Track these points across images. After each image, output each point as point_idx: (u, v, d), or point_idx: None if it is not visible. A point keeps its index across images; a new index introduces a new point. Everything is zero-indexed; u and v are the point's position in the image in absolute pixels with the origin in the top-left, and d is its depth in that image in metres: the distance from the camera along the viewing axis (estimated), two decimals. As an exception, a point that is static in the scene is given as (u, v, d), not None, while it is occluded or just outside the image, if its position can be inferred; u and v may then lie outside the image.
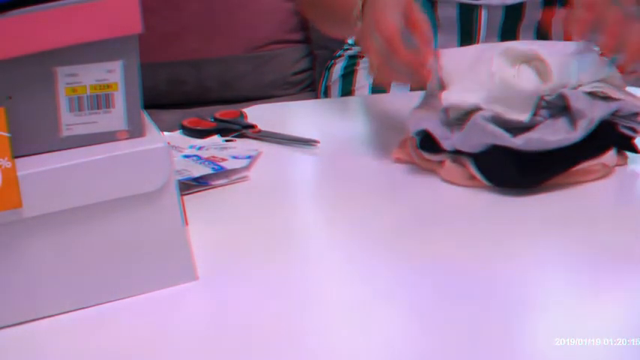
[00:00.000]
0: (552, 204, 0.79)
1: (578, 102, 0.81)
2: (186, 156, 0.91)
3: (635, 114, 0.84)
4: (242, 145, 0.96)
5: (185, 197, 0.72)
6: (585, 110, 0.81)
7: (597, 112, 0.81)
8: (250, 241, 0.74)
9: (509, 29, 1.20)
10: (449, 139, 0.83)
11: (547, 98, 0.83)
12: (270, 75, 2.01)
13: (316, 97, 1.53)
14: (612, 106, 0.83)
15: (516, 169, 0.80)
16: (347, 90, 1.34)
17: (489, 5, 1.16)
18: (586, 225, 0.75)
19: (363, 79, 1.33)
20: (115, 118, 0.63)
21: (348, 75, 1.35)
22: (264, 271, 0.69)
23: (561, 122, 0.82)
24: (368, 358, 0.57)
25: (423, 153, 0.85)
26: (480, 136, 0.80)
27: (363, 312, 0.62)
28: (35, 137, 0.62)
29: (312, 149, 0.95)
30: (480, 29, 1.19)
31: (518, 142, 0.79)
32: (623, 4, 0.84)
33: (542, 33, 1.22)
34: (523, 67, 0.84)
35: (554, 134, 0.80)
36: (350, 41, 1.40)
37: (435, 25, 1.16)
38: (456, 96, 0.84)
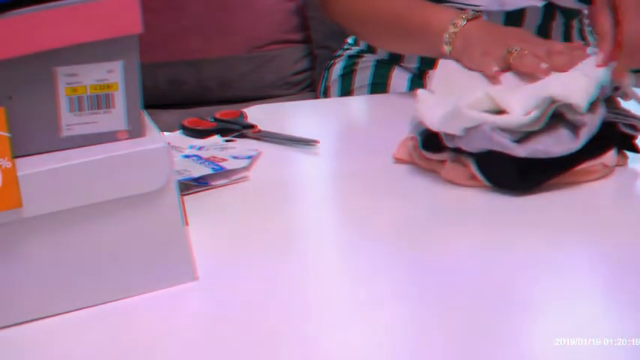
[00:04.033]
0: (552, 204, 0.79)
1: (574, 112, 0.81)
2: (187, 156, 0.91)
3: (616, 88, 0.84)
4: (242, 145, 0.96)
5: (185, 197, 0.72)
6: (585, 118, 0.81)
7: (597, 118, 0.82)
8: (250, 241, 0.74)
9: None
10: (452, 137, 0.83)
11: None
12: (270, 75, 2.02)
13: (316, 97, 1.53)
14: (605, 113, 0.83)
15: (517, 171, 0.80)
16: (346, 90, 1.34)
17: (489, 11, 1.16)
18: (586, 225, 0.75)
19: (362, 79, 1.33)
20: (115, 118, 0.63)
21: (348, 75, 1.35)
22: (264, 271, 0.69)
23: (563, 131, 0.81)
24: (368, 358, 0.57)
25: (425, 152, 0.85)
26: (485, 143, 0.80)
27: (363, 312, 0.62)
28: (35, 137, 0.62)
29: (312, 149, 0.95)
30: None
31: (523, 153, 0.79)
32: None
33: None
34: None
35: (557, 145, 0.80)
36: (350, 41, 1.40)
37: None
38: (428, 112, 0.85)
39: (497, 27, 1.03)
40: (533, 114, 0.80)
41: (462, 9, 1.04)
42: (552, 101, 0.80)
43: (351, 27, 1.23)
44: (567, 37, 1.26)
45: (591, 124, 0.81)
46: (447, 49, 1.00)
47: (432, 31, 1.02)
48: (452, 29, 1.00)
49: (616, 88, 0.85)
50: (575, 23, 1.28)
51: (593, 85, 0.82)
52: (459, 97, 0.83)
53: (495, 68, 0.92)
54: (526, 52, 0.92)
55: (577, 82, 0.82)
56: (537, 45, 0.94)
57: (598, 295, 0.65)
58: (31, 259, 0.61)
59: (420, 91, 0.89)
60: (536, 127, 0.80)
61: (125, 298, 0.64)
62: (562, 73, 0.87)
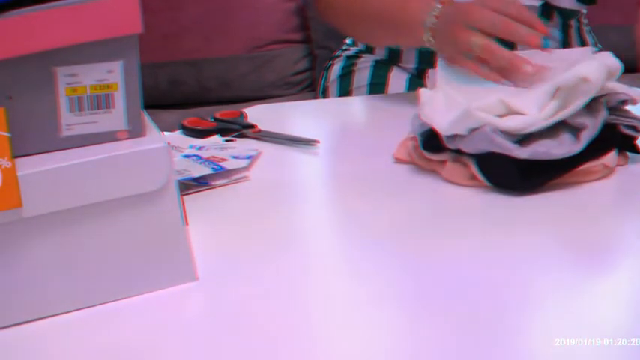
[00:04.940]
0: (553, 204, 0.79)
1: (575, 116, 0.81)
2: (187, 156, 0.91)
3: (623, 102, 0.84)
4: (242, 145, 0.96)
5: (185, 197, 0.72)
6: (586, 122, 0.81)
7: (597, 121, 0.82)
8: (250, 241, 0.74)
9: None
10: (453, 138, 0.83)
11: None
12: (270, 75, 2.02)
13: (316, 97, 1.53)
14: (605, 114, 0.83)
15: (517, 171, 0.80)
16: (345, 90, 1.34)
17: None
18: (587, 225, 0.75)
19: (360, 80, 1.33)
20: (115, 118, 0.63)
21: (346, 75, 1.35)
22: (264, 271, 0.69)
23: (564, 135, 0.81)
24: (369, 358, 0.57)
25: (425, 153, 0.85)
26: (486, 144, 0.80)
27: (363, 312, 0.62)
28: (35, 137, 0.62)
29: (312, 149, 0.95)
30: None
31: (524, 154, 0.79)
32: None
33: None
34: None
35: (559, 147, 0.80)
36: (348, 41, 1.40)
37: None
38: (431, 113, 0.84)
39: (452, 11, 0.99)
40: (551, 106, 0.80)
41: None
42: (564, 87, 0.80)
43: (339, 24, 1.22)
44: (566, 37, 1.26)
45: (592, 127, 0.81)
46: (428, 43, 0.99)
47: (412, 25, 1.01)
48: (429, 20, 0.98)
49: (623, 102, 0.85)
50: (573, 23, 1.28)
51: (603, 66, 0.82)
52: (468, 100, 0.83)
53: (491, 73, 0.91)
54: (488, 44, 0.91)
55: (586, 65, 0.82)
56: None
57: (598, 294, 0.65)
58: (31, 259, 0.61)
59: (422, 91, 0.89)
60: (552, 122, 0.80)
61: (125, 298, 0.64)
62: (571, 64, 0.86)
